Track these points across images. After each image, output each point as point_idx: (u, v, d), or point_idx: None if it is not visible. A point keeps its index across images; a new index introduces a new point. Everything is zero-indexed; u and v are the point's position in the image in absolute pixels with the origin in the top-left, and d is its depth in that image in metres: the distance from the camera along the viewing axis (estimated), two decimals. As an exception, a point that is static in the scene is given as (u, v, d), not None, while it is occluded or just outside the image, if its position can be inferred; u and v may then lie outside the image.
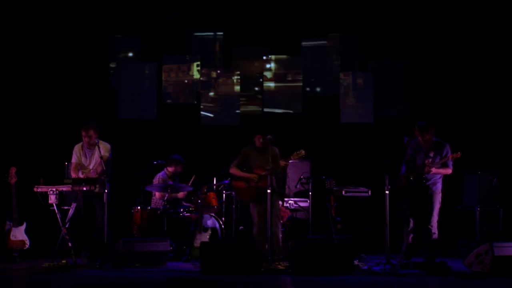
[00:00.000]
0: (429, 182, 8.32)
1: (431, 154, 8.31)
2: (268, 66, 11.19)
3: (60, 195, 8.32)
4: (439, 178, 8.40)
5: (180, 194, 9.77)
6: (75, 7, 10.71)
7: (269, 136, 8.50)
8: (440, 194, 8.39)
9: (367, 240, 9.41)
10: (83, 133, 8.59)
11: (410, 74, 11.02)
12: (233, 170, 8.64)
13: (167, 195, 9.28)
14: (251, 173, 8.53)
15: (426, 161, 8.25)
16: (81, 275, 7.78)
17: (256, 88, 11.20)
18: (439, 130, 8.68)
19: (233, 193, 9.57)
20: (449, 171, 8.36)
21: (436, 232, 8.29)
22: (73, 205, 8.45)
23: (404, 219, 8.49)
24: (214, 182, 9.77)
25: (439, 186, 8.40)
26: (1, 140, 10.26)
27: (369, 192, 9.30)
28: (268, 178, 8.31)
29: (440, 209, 8.39)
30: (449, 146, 8.40)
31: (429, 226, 8.28)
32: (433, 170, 8.23)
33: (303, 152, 8.33)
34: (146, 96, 11.08)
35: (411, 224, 8.45)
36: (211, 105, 11.14)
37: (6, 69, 10.58)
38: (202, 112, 11.08)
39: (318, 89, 11.19)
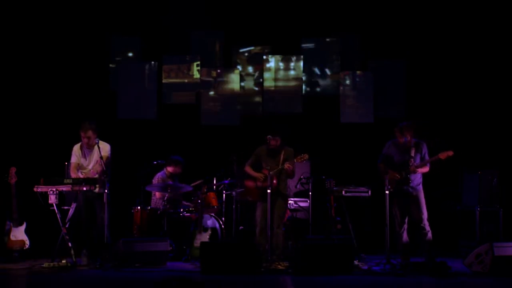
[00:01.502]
0: (413, 183, 8.32)
1: (412, 154, 8.33)
2: (268, 66, 11.19)
3: (60, 195, 8.32)
4: (420, 177, 8.42)
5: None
6: (75, 7, 10.71)
7: (269, 136, 8.51)
8: (423, 191, 8.41)
9: (367, 240, 9.41)
10: (82, 134, 8.57)
11: (410, 74, 11.03)
12: (247, 169, 8.70)
13: (167, 195, 9.28)
14: (260, 173, 8.55)
15: (410, 162, 8.26)
16: (81, 275, 7.78)
17: (256, 88, 11.21)
18: (439, 130, 8.67)
19: (233, 193, 9.59)
20: (427, 168, 8.38)
21: (430, 230, 8.30)
22: (73, 205, 8.44)
23: (395, 221, 8.45)
24: (214, 182, 9.77)
25: (421, 184, 8.43)
26: (1, 140, 10.25)
27: (369, 192, 9.29)
28: (268, 178, 8.31)
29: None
30: (426, 144, 8.43)
31: (422, 225, 8.29)
32: (418, 170, 8.27)
33: (306, 156, 8.40)
34: (146, 96, 11.08)
35: (405, 225, 8.43)
36: (211, 105, 11.14)
37: (7, 70, 10.57)
38: (202, 112, 11.08)
39: (318, 89, 11.19)
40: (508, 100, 10.68)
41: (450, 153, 8.13)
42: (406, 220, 8.42)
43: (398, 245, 8.44)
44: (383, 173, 8.37)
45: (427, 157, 8.35)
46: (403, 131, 8.33)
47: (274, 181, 8.39)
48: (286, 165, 8.42)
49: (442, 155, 8.15)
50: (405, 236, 8.43)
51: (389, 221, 8.14)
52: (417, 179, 8.37)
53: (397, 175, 8.28)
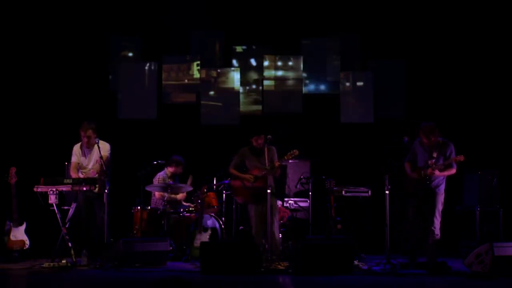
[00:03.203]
0: (434, 183, 8.20)
1: (435, 155, 8.17)
2: (268, 66, 11.18)
3: (60, 195, 8.32)
4: (443, 179, 8.26)
5: (179, 196, 9.76)
6: (75, 7, 10.72)
7: (269, 136, 8.51)
8: (443, 195, 8.26)
9: (367, 240, 9.40)
10: (82, 134, 8.58)
11: (410, 74, 11.03)
12: (232, 171, 8.70)
13: (167, 195, 9.28)
14: (248, 174, 8.56)
15: (430, 162, 8.17)
16: (81, 275, 7.77)
17: (256, 88, 11.21)
18: (439, 130, 8.65)
19: (230, 192, 9.59)
20: (453, 171, 8.22)
21: (439, 234, 8.19)
22: (73, 205, 8.44)
23: (409, 220, 8.39)
24: (214, 182, 9.77)
25: (442, 187, 8.27)
26: (1, 140, 10.26)
27: (369, 192, 9.29)
28: (268, 178, 8.31)
29: (442, 210, 8.32)
30: (453, 145, 8.30)
31: (432, 228, 8.13)
32: (437, 173, 8.09)
33: (296, 152, 8.36)
34: (146, 96, 11.08)
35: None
36: (211, 104, 11.14)
37: (7, 70, 10.58)
38: (202, 112, 11.08)
39: (318, 89, 11.19)
40: (508, 100, 10.68)
41: (461, 158, 8.02)
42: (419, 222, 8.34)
43: (406, 245, 8.39)
44: (408, 173, 8.30)
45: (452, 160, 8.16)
46: (425, 132, 8.16)
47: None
48: (277, 163, 8.42)
49: (455, 159, 8.09)
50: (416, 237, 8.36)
51: (389, 221, 8.12)
52: (436, 180, 8.20)
53: (416, 176, 8.24)
